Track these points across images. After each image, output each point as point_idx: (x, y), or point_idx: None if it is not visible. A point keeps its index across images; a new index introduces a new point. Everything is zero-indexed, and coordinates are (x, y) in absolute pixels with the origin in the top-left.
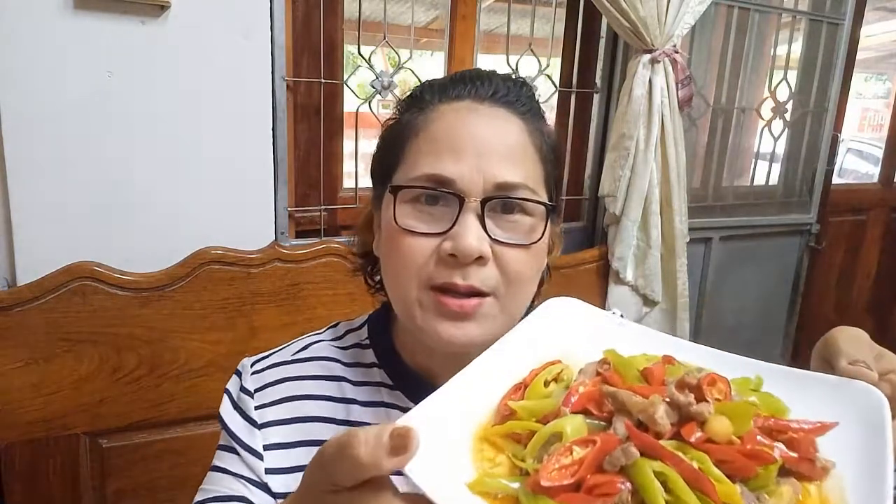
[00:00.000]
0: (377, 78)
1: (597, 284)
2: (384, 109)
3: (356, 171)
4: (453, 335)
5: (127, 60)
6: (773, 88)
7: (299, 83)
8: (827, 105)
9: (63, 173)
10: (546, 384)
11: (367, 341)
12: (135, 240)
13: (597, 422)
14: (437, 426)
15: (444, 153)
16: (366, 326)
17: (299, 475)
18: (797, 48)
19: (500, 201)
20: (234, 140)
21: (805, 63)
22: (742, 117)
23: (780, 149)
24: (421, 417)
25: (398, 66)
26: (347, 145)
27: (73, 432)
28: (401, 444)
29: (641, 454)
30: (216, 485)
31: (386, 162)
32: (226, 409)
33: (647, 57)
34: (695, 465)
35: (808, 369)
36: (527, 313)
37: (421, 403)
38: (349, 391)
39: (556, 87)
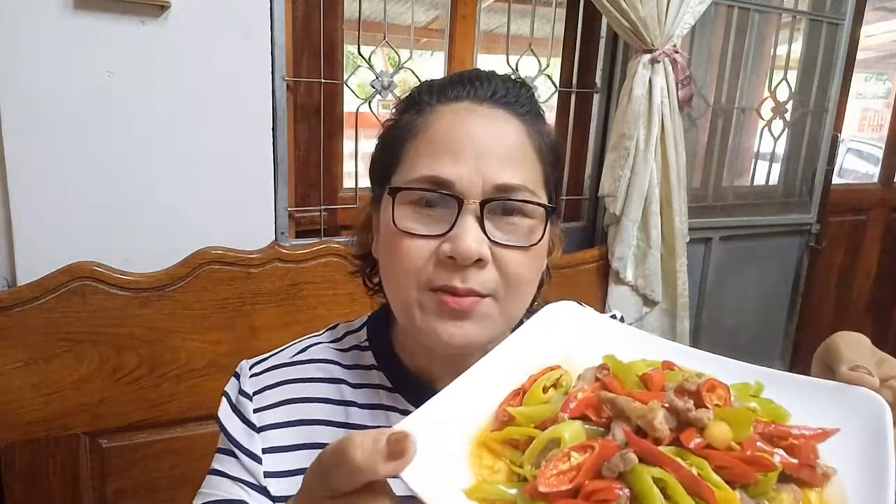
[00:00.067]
0: (377, 78)
1: (597, 284)
2: (384, 109)
3: (356, 171)
4: (453, 335)
5: (127, 60)
6: (773, 88)
7: (299, 83)
8: (827, 105)
9: (63, 173)
10: (545, 390)
11: (367, 343)
12: (135, 240)
13: (595, 428)
14: (435, 431)
15: (443, 155)
16: (365, 328)
17: (298, 479)
18: (797, 48)
19: (500, 203)
20: (234, 140)
21: (805, 63)
22: (742, 117)
23: (780, 149)
24: (419, 422)
25: (398, 66)
26: (347, 145)
27: (73, 432)
28: (397, 448)
29: (640, 460)
30: (215, 489)
31: (384, 163)
32: (224, 413)
33: (647, 57)
34: (694, 471)
35: (809, 370)
36: (527, 314)
37: (419, 408)
38: (348, 393)
39: (556, 87)
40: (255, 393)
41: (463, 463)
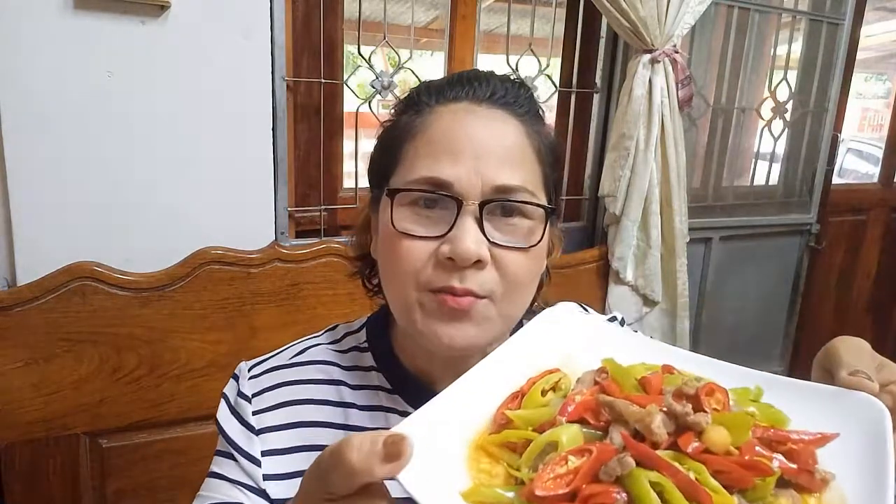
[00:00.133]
0: (377, 78)
1: (597, 284)
2: (384, 109)
3: (356, 171)
4: (453, 337)
5: (127, 60)
6: (773, 88)
7: (299, 83)
8: (827, 105)
9: (63, 173)
10: (543, 393)
11: (366, 344)
12: (135, 240)
13: (593, 431)
14: (432, 434)
15: (442, 156)
16: (364, 329)
17: (297, 481)
18: (797, 48)
19: (499, 204)
20: (234, 140)
21: (805, 63)
22: (742, 117)
23: (780, 149)
24: (417, 425)
25: (398, 66)
26: (347, 145)
27: (73, 432)
28: (394, 451)
29: (637, 464)
30: (214, 491)
31: (383, 164)
32: (223, 415)
33: (647, 57)
34: (691, 475)
35: (809, 370)
36: (527, 315)
37: (418, 411)
38: (347, 395)
39: (556, 87)
40: (254, 395)
41: (460, 466)
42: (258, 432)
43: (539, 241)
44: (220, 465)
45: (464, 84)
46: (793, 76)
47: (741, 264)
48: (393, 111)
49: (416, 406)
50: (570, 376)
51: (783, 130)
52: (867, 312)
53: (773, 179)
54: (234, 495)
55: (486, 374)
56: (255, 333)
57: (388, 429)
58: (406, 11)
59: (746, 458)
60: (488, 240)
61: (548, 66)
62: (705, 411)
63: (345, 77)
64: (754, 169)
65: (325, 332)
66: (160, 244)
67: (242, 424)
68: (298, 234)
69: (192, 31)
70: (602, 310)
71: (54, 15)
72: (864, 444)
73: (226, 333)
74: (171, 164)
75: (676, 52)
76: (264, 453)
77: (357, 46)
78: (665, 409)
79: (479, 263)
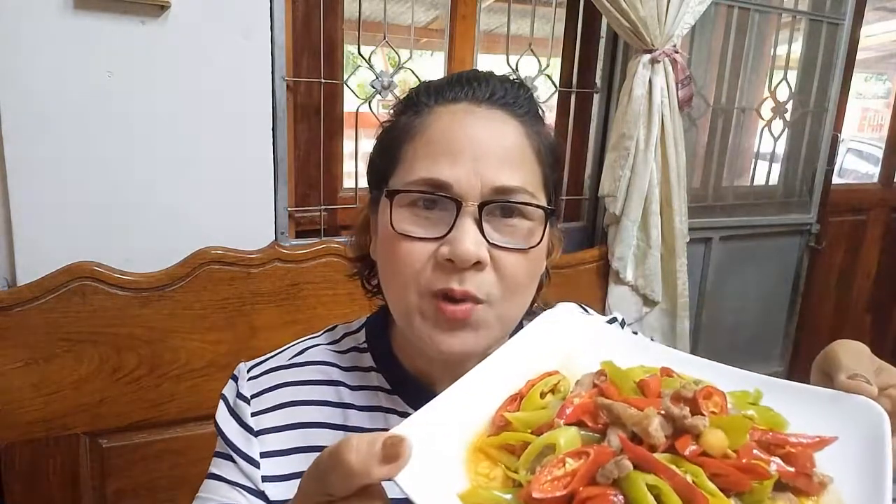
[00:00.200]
0: (377, 78)
1: (597, 284)
2: (384, 109)
3: (356, 171)
4: (452, 345)
5: (127, 60)
6: (773, 88)
7: (299, 83)
8: (827, 105)
9: (63, 173)
10: (542, 395)
11: (365, 345)
12: (135, 240)
13: (591, 434)
14: (431, 436)
15: (441, 157)
16: (363, 330)
17: (296, 482)
18: (797, 48)
19: (499, 205)
20: (234, 140)
21: (805, 63)
22: (742, 117)
23: (780, 149)
24: (415, 426)
25: (398, 66)
26: (347, 145)
27: (73, 432)
28: (392, 452)
29: (635, 467)
30: (212, 493)
31: (382, 165)
32: (222, 416)
33: (647, 57)
34: (689, 478)
35: (809, 370)
36: (527, 316)
37: (417, 412)
38: (346, 396)
39: (556, 87)
40: (253, 396)
41: (459, 468)
42: (257, 434)
43: (539, 243)
44: (218, 466)
45: (463, 84)
46: (793, 76)
47: (741, 264)
48: (392, 111)
49: (416, 406)
50: (569, 379)
51: (783, 130)
52: (867, 312)
53: (773, 179)
54: (232, 497)
55: (485, 377)
56: (255, 333)
57: (386, 429)
58: (406, 11)
59: (744, 461)
60: (488, 241)
61: (548, 66)
62: (703, 414)
63: (345, 77)
64: (754, 169)
65: (324, 332)
66: (160, 244)
67: (241, 426)
68: (298, 234)
69: (192, 31)
70: (602, 310)
71: (54, 15)
72: (862, 447)
73: (226, 333)
74: (171, 164)
75: (676, 52)
76: (263, 455)
77: (357, 46)
78: (663, 412)
79: (478, 265)
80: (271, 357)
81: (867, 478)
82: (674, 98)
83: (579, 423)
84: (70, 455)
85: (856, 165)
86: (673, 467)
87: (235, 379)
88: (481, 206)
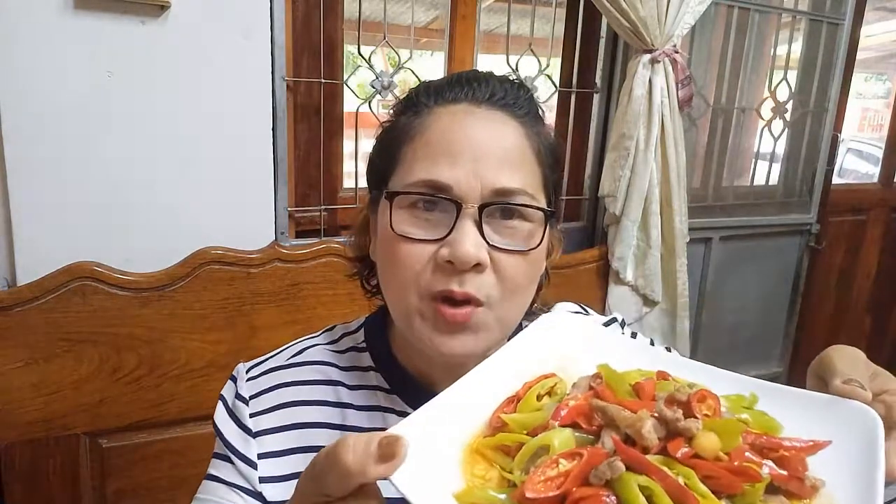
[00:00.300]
0: (377, 78)
1: (597, 284)
2: (384, 109)
3: (356, 171)
4: (452, 347)
5: (127, 60)
6: (773, 88)
7: (299, 83)
8: (827, 105)
9: (63, 173)
10: (539, 398)
11: (364, 345)
12: (135, 240)
13: (585, 436)
14: (428, 436)
15: (441, 158)
16: (362, 330)
17: (294, 483)
18: (797, 48)
19: (498, 207)
20: (234, 140)
21: (805, 63)
22: (742, 117)
23: (780, 149)
24: (412, 426)
25: (398, 66)
26: (347, 145)
27: (73, 432)
28: (388, 452)
29: (627, 468)
30: (211, 494)
31: (381, 166)
32: (220, 417)
33: (647, 57)
34: (680, 480)
35: (807, 370)
36: (526, 317)
37: (414, 413)
38: (345, 395)
39: (556, 87)
40: (252, 397)
41: (455, 468)
42: (255, 435)
43: (539, 244)
44: (216, 467)
45: (463, 85)
46: (793, 76)
47: (741, 264)
48: (392, 112)
49: (415, 406)
50: (565, 381)
51: (783, 130)
52: (867, 312)
53: (773, 179)
54: (230, 498)
55: (482, 378)
56: (255, 333)
57: (384, 429)
58: (406, 11)
59: (736, 463)
60: (488, 243)
61: (548, 66)
62: (696, 417)
63: (345, 77)
64: (754, 169)
65: (323, 332)
66: (160, 244)
67: (239, 427)
68: (298, 234)
69: (192, 31)
70: (602, 310)
71: (54, 15)
72: (856, 452)
73: (226, 333)
74: (171, 164)
75: (676, 52)
76: (261, 456)
77: (357, 46)
78: (656, 414)
79: (478, 267)
80: (270, 357)
81: (860, 482)
82: (674, 98)
83: (574, 425)
84: (70, 455)
85: (856, 165)
86: (665, 469)
87: (234, 380)
88: (481, 208)
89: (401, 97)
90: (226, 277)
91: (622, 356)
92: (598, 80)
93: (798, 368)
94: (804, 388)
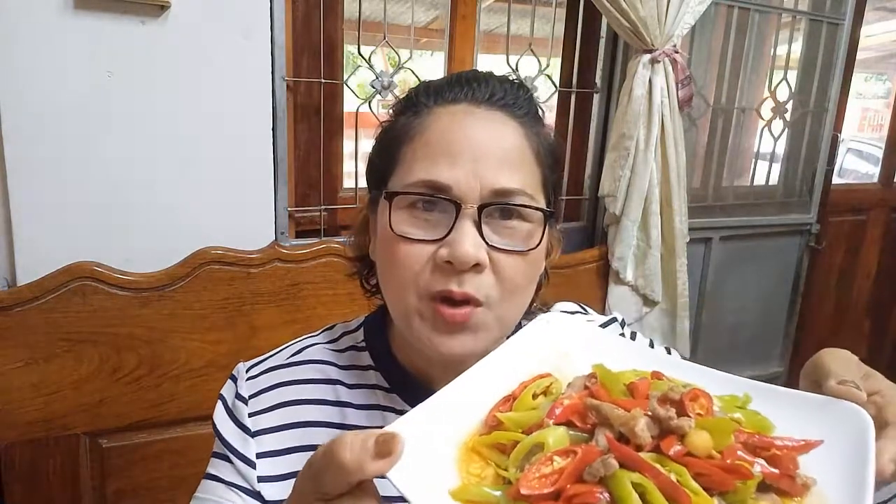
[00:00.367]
0: (377, 78)
1: (597, 284)
2: (384, 109)
3: (356, 171)
4: (451, 347)
5: (127, 60)
6: (773, 88)
7: (299, 83)
8: (827, 105)
9: (63, 173)
10: (534, 397)
11: (363, 344)
12: (135, 240)
13: (580, 434)
14: (424, 434)
15: (440, 158)
16: (362, 329)
17: (292, 482)
18: (797, 48)
19: (498, 207)
20: (234, 140)
21: (805, 63)
22: (742, 117)
23: (780, 149)
24: (409, 424)
25: (398, 66)
26: (347, 145)
27: (73, 432)
28: (385, 448)
29: (621, 466)
30: (209, 493)
31: (381, 166)
32: (219, 416)
33: (647, 57)
34: (673, 477)
35: (800, 373)
36: (526, 316)
37: (410, 411)
38: (344, 394)
39: (556, 87)
40: (251, 396)
41: (451, 466)
42: (254, 434)
43: (538, 245)
44: (215, 466)
45: (462, 85)
46: (793, 76)
47: (741, 264)
48: (391, 112)
49: (414, 405)
50: (561, 381)
51: (783, 130)
52: (867, 312)
53: (773, 179)
54: (229, 497)
55: (479, 378)
56: (255, 333)
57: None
58: (406, 11)
59: (727, 461)
60: (487, 243)
61: (548, 66)
62: (689, 416)
63: (345, 77)
64: (754, 169)
65: (323, 331)
66: (160, 244)
67: (238, 426)
68: (298, 234)
69: (192, 31)
70: (602, 310)
71: (54, 15)
72: (846, 451)
73: (226, 333)
74: (171, 164)
75: (676, 52)
76: (259, 455)
77: (357, 46)
78: (650, 413)
79: (477, 267)
80: (270, 356)
81: (851, 480)
82: (674, 98)
83: (568, 424)
84: (70, 455)
85: (856, 165)
86: (658, 466)
87: (234, 379)
88: (480, 208)
89: (401, 97)
90: (226, 277)
91: (618, 356)
92: (598, 80)
93: (798, 369)
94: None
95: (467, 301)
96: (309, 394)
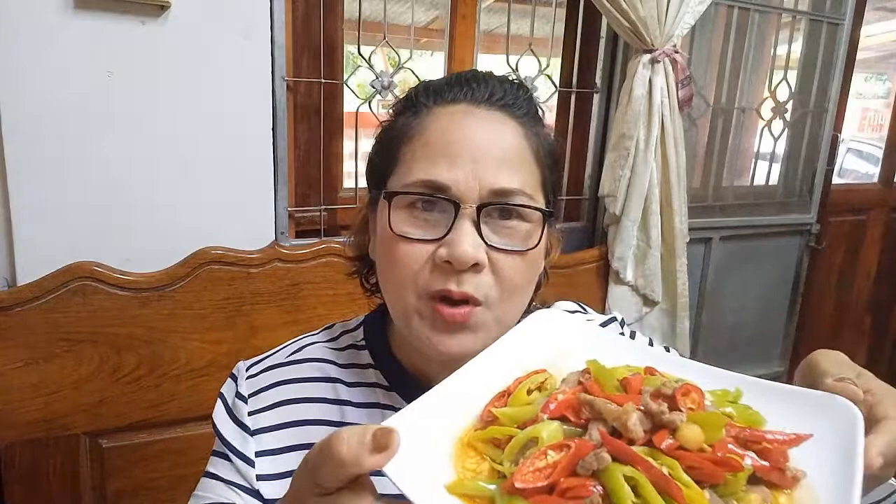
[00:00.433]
0: (377, 78)
1: (597, 284)
2: (384, 109)
3: (356, 171)
4: (450, 346)
5: (127, 60)
6: (773, 88)
7: (299, 83)
8: (827, 105)
9: (63, 173)
10: (529, 392)
11: (363, 342)
12: (135, 240)
13: (573, 428)
14: (421, 429)
15: (439, 158)
16: (362, 327)
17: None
18: (797, 48)
19: (497, 207)
20: (234, 140)
21: (805, 63)
22: (742, 117)
23: (780, 149)
24: (405, 420)
25: (398, 66)
26: (347, 145)
27: (73, 432)
28: (382, 442)
29: (613, 459)
30: (208, 492)
31: (381, 166)
32: (219, 415)
33: (647, 57)
34: (664, 470)
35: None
36: (525, 316)
37: (407, 406)
38: (343, 392)
39: (556, 87)
40: (251, 395)
41: (447, 461)
42: (253, 433)
43: (537, 245)
44: (215, 465)
45: (462, 85)
46: (793, 76)
47: (741, 264)
48: (391, 112)
49: None
50: (555, 377)
51: (783, 130)
52: (867, 312)
53: (773, 179)
54: (228, 496)
55: (475, 374)
56: (255, 333)
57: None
58: (406, 11)
59: (718, 454)
60: (486, 243)
61: (548, 66)
62: (681, 410)
63: (345, 77)
64: (754, 169)
65: (322, 330)
66: (160, 244)
67: (238, 425)
68: (298, 234)
69: (192, 31)
70: (602, 310)
71: (54, 15)
72: (836, 445)
73: (226, 333)
74: (171, 164)
75: (676, 52)
76: (258, 454)
77: (357, 46)
78: (642, 407)
79: (476, 267)
80: (269, 355)
81: (840, 474)
82: (674, 98)
83: (562, 418)
84: (70, 455)
85: (856, 165)
86: (650, 460)
87: (234, 378)
88: (479, 208)
89: (400, 97)
90: (226, 277)
91: (613, 353)
92: (598, 80)
93: (797, 368)
94: None
95: (466, 301)
96: (309, 392)
